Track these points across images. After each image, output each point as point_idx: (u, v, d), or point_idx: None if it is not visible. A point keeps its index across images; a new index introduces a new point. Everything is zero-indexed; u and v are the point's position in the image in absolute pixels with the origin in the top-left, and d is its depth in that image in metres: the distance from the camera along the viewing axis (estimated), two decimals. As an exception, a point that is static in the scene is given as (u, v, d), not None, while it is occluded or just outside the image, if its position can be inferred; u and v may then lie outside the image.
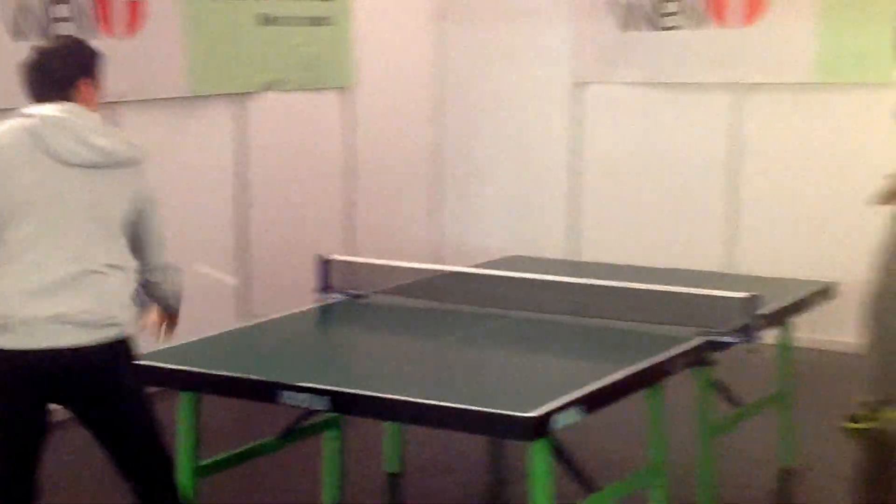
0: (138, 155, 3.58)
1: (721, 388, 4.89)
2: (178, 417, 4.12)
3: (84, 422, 3.60)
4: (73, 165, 3.43)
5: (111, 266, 3.50)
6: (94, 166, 3.45)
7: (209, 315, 6.41)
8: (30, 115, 3.47)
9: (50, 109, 3.47)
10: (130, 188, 3.57)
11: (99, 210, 3.49)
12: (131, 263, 3.61)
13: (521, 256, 5.96)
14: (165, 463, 3.67)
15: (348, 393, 3.66)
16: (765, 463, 5.28)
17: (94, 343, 3.43)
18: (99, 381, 3.49)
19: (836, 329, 6.90)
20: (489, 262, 5.63)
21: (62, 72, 3.56)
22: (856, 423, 5.64)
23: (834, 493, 5.07)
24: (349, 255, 5.29)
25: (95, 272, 3.46)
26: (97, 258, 3.47)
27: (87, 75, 3.61)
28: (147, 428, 3.62)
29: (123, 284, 3.55)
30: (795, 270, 6.00)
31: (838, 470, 5.30)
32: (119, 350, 3.52)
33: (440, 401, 3.53)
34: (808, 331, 6.35)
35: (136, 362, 3.62)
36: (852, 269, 6.62)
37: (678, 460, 5.07)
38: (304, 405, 3.73)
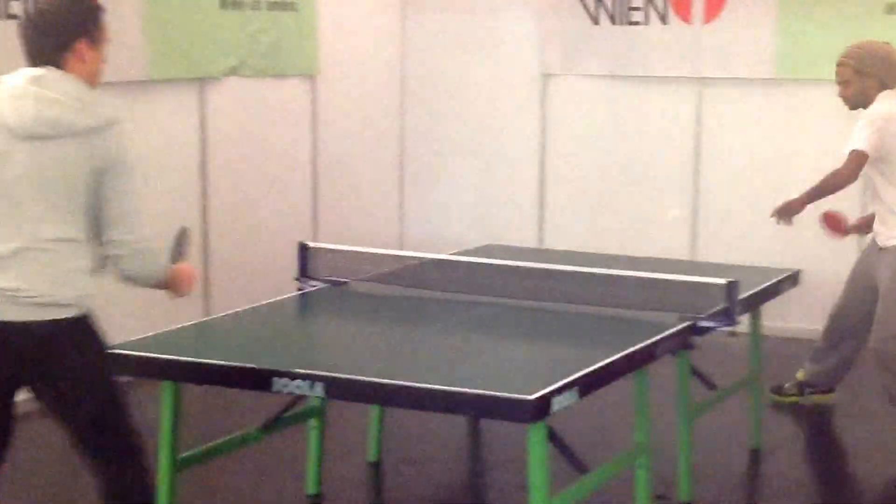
0: (96, 122, 3.37)
1: (697, 373, 5.01)
2: (159, 408, 4.08)
3: (42, 403, 3.49)
4: (21, 137, 3.32)
5: (62, 240, 3.37)
6: (44, 137, 3.33)
7: (172, 302, 6.37)
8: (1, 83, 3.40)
9: (21, 77, 3.38)
10: (88, 157, 3.36)
11: (49, 182, 3.35)
12: (89, 236, 3.44)
13: (497, 245, 6.00)
14: (128, 451, 3.53)
15: (344, 379, 3.63)
16: (737, 444, 5.41)
17: (31, 320, 3.33)
18: (41, 359, 3.37)
19: (798, 316, 7.05)
20: (466, 250, 5.65)
21: (55, 35, 3.43)
22: (781, 395, 5.95)
23: (800, 473, 5.21)
24: (325, 244, 5.26)
25: (41, 249, 3.35)
26: (45, 233, 3.35)
27: (83, 35, 3.48)
28: (105, 413, 3.47)
29: (75, 260, 3.41)
30: (755, 259, 6.12)
31: (805, 451, 5.49)
32: (65, 329, 3.38)
33: (439, 385, 3.53)
34: (772, 318, 6.47)
35: (98, 341, 3.49)
36: (809, 259, 6.79)
37: (657, 441, 5.17)
38: (299, 392, 3.70)
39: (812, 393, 5.98)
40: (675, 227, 7.51)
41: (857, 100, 5.52)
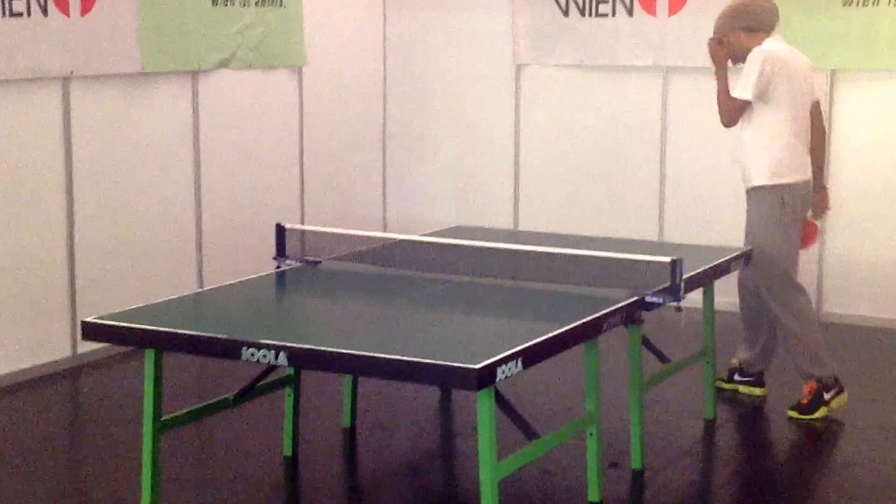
0: None
1: (650, 346, 5.07)
2: (143, 375, 4.22)
3: None
4: None
5: None
6: None
7: (170, 279, 6.54)
8: None
9: None
10: None
11: None
12: None
13: (464, 227, 6.10)
14: None
15: (307, 349, 3.76)
16: (690, 415, 5.45)
17: None
18: None
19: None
20: (435, 231, 5.77)
21: None
22: (725, 382, 5.76)
23: (751, 443, 5.23)
24: (300, 226, 5.39)
25: None
26: None
27: None
28: None
29: None
30: (719, 239, 6.21)
31: (754, 420, 5.48)
32: None
33: (395, 355, 3.65)
34: (727, 295, 6.53)
35: None
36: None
37: (613, 412, 5.28)
38: (265, 361, 3.81)
39: (741, 382, 5.75)
40: (643, 210, 7.56)
41: (734, 55, 5.59)
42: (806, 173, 5.53)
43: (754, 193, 5.53)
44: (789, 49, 5.51)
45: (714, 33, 5.60)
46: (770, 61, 5.36)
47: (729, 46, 5.56)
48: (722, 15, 5.60)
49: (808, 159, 5.56)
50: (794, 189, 5.46)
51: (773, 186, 5.44)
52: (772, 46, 5.44)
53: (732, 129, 5.54)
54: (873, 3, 6.76)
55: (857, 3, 6.80)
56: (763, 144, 5.45)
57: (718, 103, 5.52)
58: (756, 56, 5.38)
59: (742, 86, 5.39)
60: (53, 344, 6.06)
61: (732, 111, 5.46)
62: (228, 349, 3.85)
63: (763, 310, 5.62)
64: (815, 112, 5.65)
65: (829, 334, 6.86)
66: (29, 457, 4.92)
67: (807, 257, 7.08)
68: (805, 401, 5.42)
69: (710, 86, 7.21)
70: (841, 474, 4.84)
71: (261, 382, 4.67)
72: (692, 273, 4.77)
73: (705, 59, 7.20)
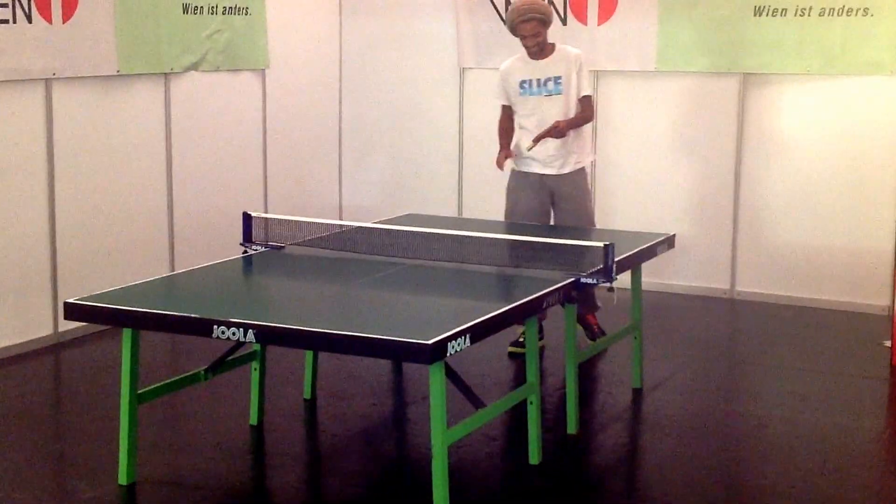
0: None
1: (583, 323, 5.04)
2: (121, 351, 4.13)
3: None
4: None
5: None
6: None
7: (144, 263, 6.43)
8: None
9: None
10: None
11: None
12: None
13: (415, 214, 6.05)
14: None
15: (273, 327, 3.71)
16: (620, 384, 5.44)
17: None
18: None
19: (673, 274, 7.18)
20: (388, 218, 5.71)
21: None
22: (516, 348, 5.76)
23: (674, 410, 5.22)
24: (265, 214, 5.30)
25: None
26: None
27: None
28: None
29: None
30: (650, 227, 6.20)
31: (678, 388, 5.48)
32: None
33: (355, 332, 3.60)
34: (654, 276, 6.55)
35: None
36: (683, 224, 6.91)
37: (551, 382, 5.25)
38: (234, 338, 3.74)
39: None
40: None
41: (543, 47, 5.72)
42: None
43: (581, 173, 5.90)
44: None
45: (541, 15, 5.64)
46: None
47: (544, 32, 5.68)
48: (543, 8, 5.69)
49: None
50: None
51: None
52: None
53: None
54: (781, 14, 6.79)
55: (767, 14, 6.82)
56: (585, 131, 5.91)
57: (585, 120, 5.84)
58: (583, 59, 5.78)
59: (588, 86, 5.83)
60: (36, 323, 5.95)
61: (591, 110, 5.88)
62: (200, 327, 3.78)
63: None
64: None
65: (741, 310, 6.94)
66: (13, 425, 4.81)
67: (721, 241, 7.15)
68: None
69: (635, 87, 7.33)
70: (757, 433, 4.84)
71: (229, 358, 4.62)
72: (622, 256, 4.76)
73: (630, 63, 7.27)
